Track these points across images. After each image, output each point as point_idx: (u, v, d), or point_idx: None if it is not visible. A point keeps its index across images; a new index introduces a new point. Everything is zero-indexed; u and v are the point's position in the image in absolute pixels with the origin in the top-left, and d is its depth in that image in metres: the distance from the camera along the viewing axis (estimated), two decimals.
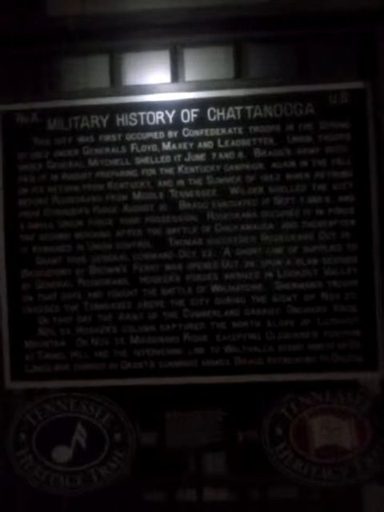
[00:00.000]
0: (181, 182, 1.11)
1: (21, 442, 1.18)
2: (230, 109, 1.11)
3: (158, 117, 1.12)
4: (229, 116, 1.11)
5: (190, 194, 1.11)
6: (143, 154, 1.12)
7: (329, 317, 1.10)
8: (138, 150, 1.12)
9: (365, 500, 1.18)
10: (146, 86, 1.15)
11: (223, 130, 1.11)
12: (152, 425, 1.18)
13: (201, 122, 1.11)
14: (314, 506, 1.17)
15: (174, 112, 1.12)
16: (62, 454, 1.16)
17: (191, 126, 1.12)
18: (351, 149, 1.10)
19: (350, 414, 1.13)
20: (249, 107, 1.11)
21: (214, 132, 1.11)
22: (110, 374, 1.12)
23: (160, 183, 1.11)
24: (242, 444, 1.16)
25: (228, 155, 1.11)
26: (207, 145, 1.11)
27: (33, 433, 1.18)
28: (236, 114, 1.12)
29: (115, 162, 1.12)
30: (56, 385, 1.14)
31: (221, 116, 1.11)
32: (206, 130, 1.11)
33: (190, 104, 1.12)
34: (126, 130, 1.12)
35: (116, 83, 1.19)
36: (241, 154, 1.11)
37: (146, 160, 1.11)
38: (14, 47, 1.18)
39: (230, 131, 1.11)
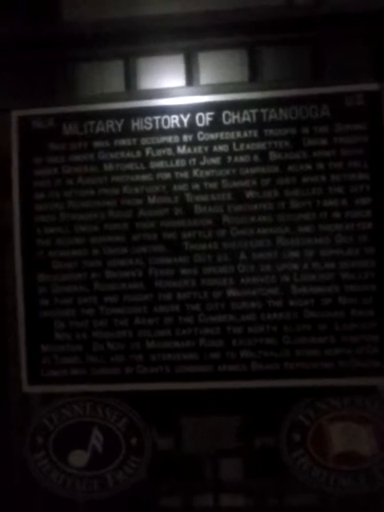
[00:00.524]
0: (196, 186, 1.11)
1: (38, 446, 1.18)
2: (245, 112, 1.11)
3: (173, 121, 1.12)
4: (244, 119, 1.11)
5: (205, 197, 1.11)
6: (158, 158, 1.11)
7: (346, 321, 1.08)
8: (153, 154, 1.12)
9: None
10: (160, 90, 1.15)
11: (238, 134, 1.11)
12: (168, 430, 1.18)
13: (216, 125, 1.11)
14: None
15: (188, 116, 1.11)
16: (79, 458, 1.16)
17: (206, 129, 1.11)
18: (368, 151, 1.09)
19: (369, 419, 1.11)
20: (264, 110, 1.11)
21: (229, 135, 1.11)
22: (126, 378, 1.12)
23: (175, 187, 1.11)
24: (259, 450, 1.15)
25: (243, 158, 1.10)
26: (222, 148, 1.11)
27: (49, 437, 1.18)
28: (251, 117, 1.11)
29: (130, 166, 1.12)
30: (72, 389, 1.14)
31: (236, 119, 1.11)
32: (221, 134, 1.11)
33: (204, 107, 1.11)
34: (141, 134, 1.12)
35: (131, 87, 1.20)
36: (256, 158, 1.10)
37: (161, 164, 1.11)
38: (29, 52, 1.19)
39: (245, 134, 1.11)
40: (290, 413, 1.13)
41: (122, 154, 1.12)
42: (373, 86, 1.10)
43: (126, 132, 1.13)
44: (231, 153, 1.11)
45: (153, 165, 1.12)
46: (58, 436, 1.17)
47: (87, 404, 1.16)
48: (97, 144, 1.13)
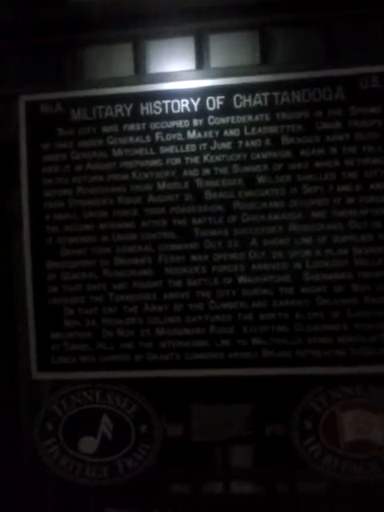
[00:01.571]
0: (206, 171, 1.09)
1: (48, 433, 1.18)
2: (257, 95, 1.08)
3: (183, 105, 1.09)
4: (255, 103, 1.08)
5: (215, 183, 1.09)
6: (168, 143, 1.09)
7: (359, 309, 1.06)
8: (162, 139, 1.10)
9: None
10: (170, 73, 1.13)
11: (250, 118, 1.08)
12: (178, 417, 1.17)
13: (227, 109, 1.09)
14: (344, 501, 1.15)
15: (199, 100, 1.09)
16: (89, 444, 1.16)
17: (217, 113, 1.09)
18: (382, 135, 1.06)
19: (381, 408, 1.10)
20: (276, 93, 1.08)
21: (241, 119, 1.08)
22: (136, 365, 1.11)
23: (185, 173, 1.09)
24: (270, 437, 1.14)
25: (255, 143, 1.08)
26: (233, 133, 1.08)
27: (59, 423, 1.18)
28: (263, 100, 1.08)
29: (140, 151, 1.10)
30: (82, 376, 1.14)
31: (247, 103, 1.08)
32: (232, 118, 1.09)
33: (215, 91, 1.09)
34: (150, 118, 1.10)
35: (140, 71, 1.17)
36: (268, 142, 1.08)
37: (170, 149, 1.09)
38: (36, 37, 1.17)
39: (256, 118, 1.08)
40: (302, 400, 1.11)
41: (131, 139, 1.10)
42: None
43: (135, 116, 1.11)
44: (242, 137, 1.08)
45: (162, 150, 1.10)
46: (68, 423, 1.17)
47: (97, 391, 1.16)
48: (105, 129, 1.11)
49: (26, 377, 1.15)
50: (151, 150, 1.10)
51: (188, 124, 1.09)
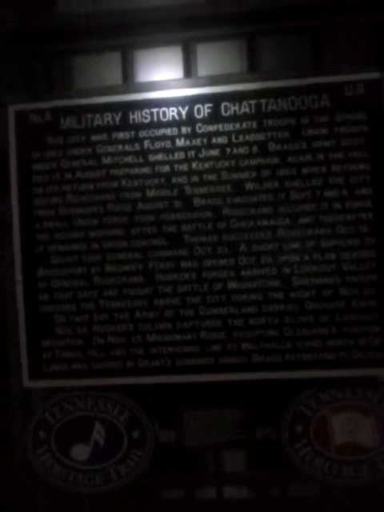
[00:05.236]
0: (195, 178, 1.10)
1: (40, 441, 1.18)
2: (244, 103, 1.10)
3: (171, 113, 1.11)
4: (243, 110, 1.10)
5: (204, 190, 1.10)
6: (157, 151, 1.11)
7: (348, 312, 1.08)
8: (151, 147, 1.11)
9: None
10: (158, 82, 1.14)
11: (237, 125, 1.10)
12: (170, 423, 1.17)
13: (214, 117, 1.10)
14: (336, 504, 1.15)
15: (187, 108, 1.10)
16: (81, 452, 1.16)
17: (205, 121, 1.10)
18: (368, 141, 1.08)
19: (371, 410, 1.11)
20: (263, 101, 1.10)
21: (228, 127, 1.10)
22: (128, 372, 1.12)
23: (174, 180, 1.10)
24: (261, 442, 1.15)
25: (242, 150, 1.09)
26: (221, 140, 1.10)
27: (51, 431, 1.18)
28: (250, 108, 1.10)
29: (129, 159, 1.11)
30: (74, 383, 1.14)
31: (235, 110, 1.10)
32: (220, 125, 1.10)
33: (203, 99, 1.10)
34: (139, 127, 1.11)
35: (128, 80, 1.18)
36: (255, 149, 1.09)
37: (159, 157, 1.11)
38: (24, 46, 1.18)
39: (244, 126, 1.10)
40: (292, 404, 1.12)
41: (120, 147, 1.11)
42: (373, 75, 1.08)
43: (124, 125, 1.12)
44: (230, 144, 1.10)
45: (151, 157, 1.11)
46: (60, 430, 1.18)
47: (89, 398, 1.16)
48: (95, 137, 1.12)
49: (18, 385, 1.15)
50: (140, 157, 1.11)
51: (176, 132, 1.11)
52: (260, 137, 1.09)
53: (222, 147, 1.10)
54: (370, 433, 1.12)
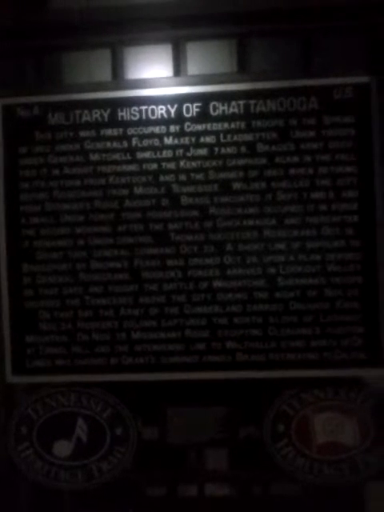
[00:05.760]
0: (183, 177, 1.10)
1: (22, 436, 1.18)
2: (233, 103, 1.10)
3: (160, 111, 1.11)
4: (231, 110, 1.10)
5: (191, 188, 1.10)
6: (145, 149, 1.11)
7: (332, 313, 1.09)
8: (139, 145, 1.11)
9: (367, 497, 1.17)
10: (147, 79, 1.14)
11: (226, 125, 1.10)
12: (153, 420, 1.17)
13: (203, 116, 1.10)
14: (316, 503, 1.16)
15: (176, 106, 1.11)
16: (63, 448, 1.16)
17: (193, 120, 1.11)
18: (355, 144, 1.09)
19: (353, 410, 1.12)
20: (252, 101, 1.10)
21: (217, 126, 1.10)
22: (111, 368, 1.12)
23: (162, 178, 1.11)
24: (244, 440, 1.16)
25: (230, 150, 1.10)
26: (209, 139, 1.10)
27: (34, 427, 1.18)
28: (239, 108, 1.10)
29: (117, 156, 1.11)
30: (57, 379, 1.14)
31: (223, 110, 1.10)
32: (209, 125, 1.10)
33: (192, 98, 1.11)
34: (127, 124, 1.11)
35: (118, 77, 1.18)
36: (243, 149, 1.10)
37: (147, 154, 1.11)
38: (15, 40, 1.17)
39: (232, 126, 1.10)
40: (275, 403, 1.13)
41: (109, 144, 1.11)
42: (362, 79, 1.10)
43: (113, 122, 1.12)
44: (218, 144, 1.10)
45: (139, 155, 1.11)
46: (43, 426, 1.17)
47: (72, 394, 1.16)
48: (83, 133, 1.12)
49: (1, 380, 1.15)
50: (128, 155, 1.11)
51: (165, 130, 1.11)
52: (248, 137, 1.10)
53: (210, 146, 1.10)
54: (352, 433, 1.13)
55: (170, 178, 1.10)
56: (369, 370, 1.09)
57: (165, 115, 1.11)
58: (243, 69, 1.17)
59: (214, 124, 1.10)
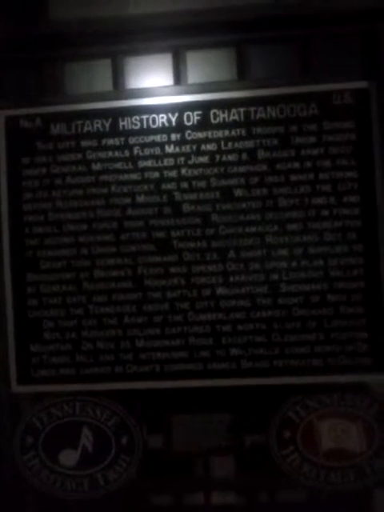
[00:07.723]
0: (184, 185, 1.11)
1: (27, 446, 1.18)
2: (233, 110, 1.11)
3: (161, 120, 1.12)
4: (232, 118, 1.11)
5: (193, 196, 1.11)
6: (146, 157, 1.11)
7: (335, 319, 1.09)
8: (141, 153, 1.12)
9: (374, 503, 1.17)
10: (148, 89, 1.15)
11: (226, 132, 1.11)
12: (158, 428, 1.17)
13: (204, 124, 1.11)
14: (323, 510, 1.16)
15: (176, 115, 1.12)
16: (69, 457, 1.16)
17: (194, 128, 1.11)
18: (356, 149, 1.09)
19: (359, 416, 1.12)
20: (252, 109, 1.11)
21: (218, 134, 1.11)
22: (116, 377, 1.12)
23: (164, 186, 1.11)
24: (250, 447, 1.15)
25: (231, 157, 1.10)
26: (210, 147, 1.11)
27: (39, 436, 1.18)
28: (239, 115, 1.11)
29: (118, 165, 1.12)
30: (62, 388, 1.14)
31: (224, 118, 1.11)
32: (209, 133, 1.11)
33: (192, 106, 1.12)
34: (128, 133, 1.12)
35: (119, 87, 1.19)
36: (244, 156, 1.10)
37: (149, 163, 1.11)
38: (16, 52, 1.18)
39: (233, 133, 1.11)
40: (280, 410, 1.13)
41: (110, 154, 1.12)
42: (361, 84, 1.10)
43: (114, 131, 1.12)
44: (219, 151, 1.11)
45: (141, 164, 1.12)
46: (48, 436, 1.17)
47: (77, 403, 1.16)
48: (85, 143, 1.13)
49: (6, 390, 1.15)
50: (130, 164, 1.12)
51: (166, 138, 1.11)
52: (249, 144, 1.11)
53: (211, 154, 1.11)
54: (358, 439, 1.12)
55: (171, 185, 1.11)
56: (374, 375, 1.09)
57: (166, 124, 1.12)
58: (243, 76, 1.18)
59: (215, 131, 1.11)
